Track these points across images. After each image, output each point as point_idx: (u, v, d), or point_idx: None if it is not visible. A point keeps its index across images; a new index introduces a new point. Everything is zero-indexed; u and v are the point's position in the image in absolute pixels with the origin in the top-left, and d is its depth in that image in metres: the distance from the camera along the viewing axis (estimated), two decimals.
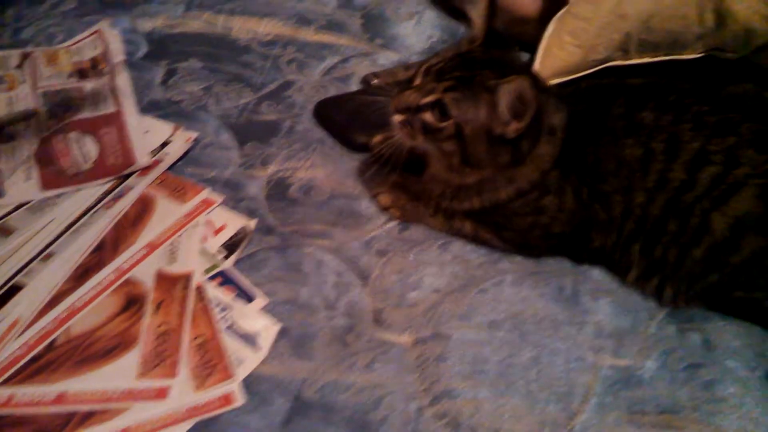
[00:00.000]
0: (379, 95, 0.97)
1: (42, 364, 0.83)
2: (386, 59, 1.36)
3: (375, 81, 1.26)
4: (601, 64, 1.18)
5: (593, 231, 0.91)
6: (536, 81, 0.88)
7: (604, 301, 0.91)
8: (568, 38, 1.16)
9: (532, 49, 1.14)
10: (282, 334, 0.86)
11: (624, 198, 0.88)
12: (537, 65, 1.13)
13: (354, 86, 1.29)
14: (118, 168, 1.07)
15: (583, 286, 0.93)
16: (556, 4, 1.21)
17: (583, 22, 1.15)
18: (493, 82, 0.82)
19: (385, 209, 1.03)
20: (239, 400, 0.79)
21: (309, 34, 1.42)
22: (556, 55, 1.15)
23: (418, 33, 1.43)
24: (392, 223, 1.02)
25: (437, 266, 0.96)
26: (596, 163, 0.89)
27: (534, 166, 0.89)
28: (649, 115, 0.88)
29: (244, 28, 1.43)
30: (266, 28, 1.44)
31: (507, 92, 0.81)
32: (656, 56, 1.19)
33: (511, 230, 0.95)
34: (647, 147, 0.87)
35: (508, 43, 0.91)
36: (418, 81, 0.89)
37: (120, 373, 0.82)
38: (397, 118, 0.88)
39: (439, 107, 0.85)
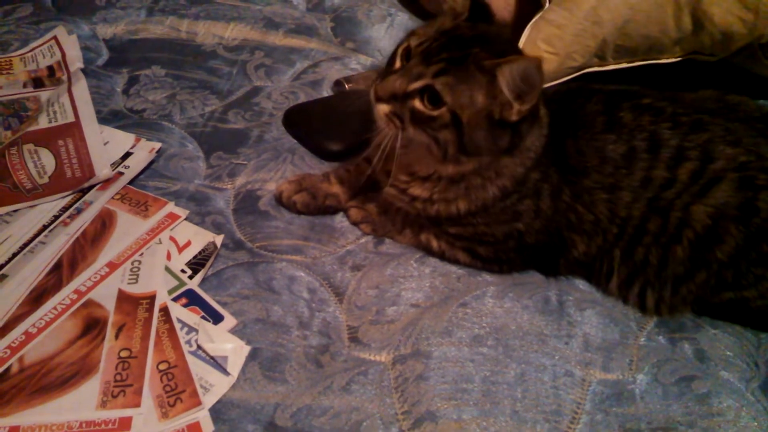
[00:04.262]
0: (352, 100, 0.92)
1: None
2: (358, 63, 1.32)
3: (348, 86, 1.22)
4: (577, 71, 1.17)
5: (576, 234, 0.88)
6: None
7: (591, 312, 0.87)
8: (543, 45, 1.14)
9: None
10: (252, 356, 0.81)
11: (610, 196, 0.86)
12: None
13: (325, 92, 1.25)
14: (76, 182, 1.01)
15: (568, 297, 0.89)
16: (529, 10, 1.19)
17: (557, 29, 1.13)
18: (490, 62, 0.77)
19: (355, 224, 0.99)
20: (208, 428, 0.74)
21: (277, 39, 1.38)
22: None
23: (391, 36, 1.40)
24: (367, 237, 0.97)
25: (415, 280, 0.91)
26: (578, 157, 0.86)
27: (520, 160, 0.85)
28: (627, 114, 0.87)
29: (209, 33, 1.39)
30: (232, 32, 1.39)
31: (510, 72, 0.76)
32: (633, 62, 1.18)
33: (486, 244, 0.91)
34: (630, 145, 0.85)
35: (492, 17, 0.86)
36: (398, 64, 0.83)
37: (79, 403, 0.76)
38: (383, 108, 0.82)
39: (429, 93, 0.79)
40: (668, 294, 0.87)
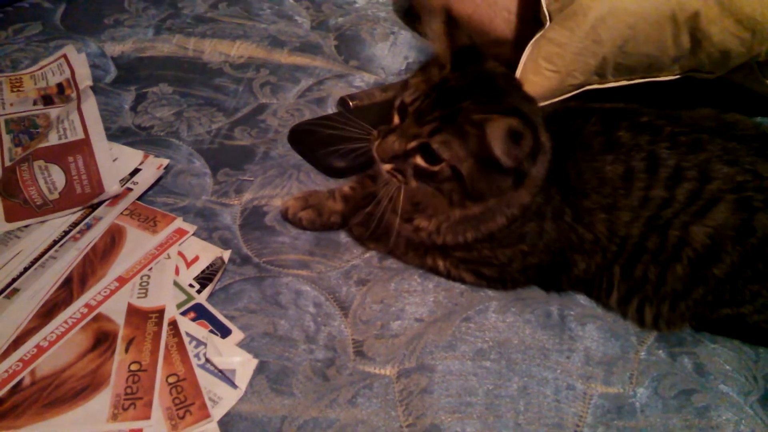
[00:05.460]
0: (357, 117, 0.94)
1: (6, 408, 0.77)
2: (362, 81, 1.34)
3: (353, 103, 1.24)
4: (578, 89, 1.18)
5: (577, 254, 0.90)
6: (525, 101, 0.86)
7: (592, 326, 0.89)
8: (544, 63, 1.15)
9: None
10: (260, 369, 0.83)
11: (608, 216, 0.87)
12: None
13: (330, 109, 1.27)
14: (86, 198, 1.03)
15: (570, 312, 0.91)
16: (530, 27, 1.21)
17: (558, 48, 1.15)
18: (478, 117, 0.78)
19: (359, 242, 1.00)
20: None
21: (282, 57, 1.40)
22: (533, 80, 1.15)
23: (394, 54, 1.42)
24: (371, 252, 0.99)
25: (419, 295, 0.93)
26: (578, 178, 0.87)
27: (527, 191, 0.86)
28: (625, 134, 0.87)
29: (215, 51, 1.41)
30: (238, 50, 1.41)
31: (496, 130, 0.76)
32: (633, 79, 1.19)
33: (490, 266, 0.92)
34: (628, 165, 0.86)
35: (479, 54, 0.86)
36: (396, 120, 0.85)
37: (90, 416, 0.77)
38: (386, 167, 0.85)
39: (427, 152, 0.81)
40: (666, 309, 0.88)
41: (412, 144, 0.81)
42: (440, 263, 0.95)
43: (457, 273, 0.95)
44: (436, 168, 0.81)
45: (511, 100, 0.83)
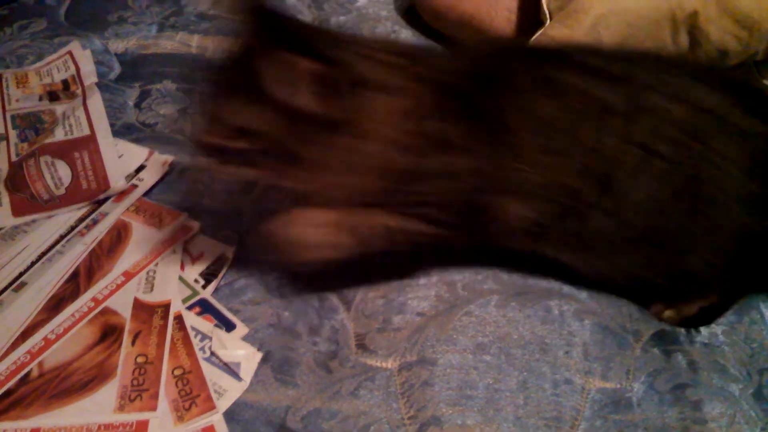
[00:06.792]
0: None
1: (15, 399, 0.79)
2: None
3: None
4: None
5: (517, 199, 0.81)
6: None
7: (590, 322, 0.90)
8: None
9: None
10: (265, 359, 0.84)
11: (555, 160, 0.79)
12: None
13: None
14: (92, 193, 1.04)
15: (569, 307, 0.92)
16: (531, 26, 1.23)
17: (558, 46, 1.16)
18: None
19: None
20: (222, 431, 0.77)
21: None
22: None
23: None
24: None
25: (421, 289, 0.94)
26: (500, 115, 0.79)
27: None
28: (569, 76, 0.80)
29: (219, 47, 1.42)
30: None
31: None
32: None
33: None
34: (572, 109, 0.78)
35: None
36: None
37: (97, 407, 0.79)
38: None
39: None
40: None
41: None
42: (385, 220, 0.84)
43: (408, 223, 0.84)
44: None
45: None
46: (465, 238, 0.88)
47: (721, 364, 0.86)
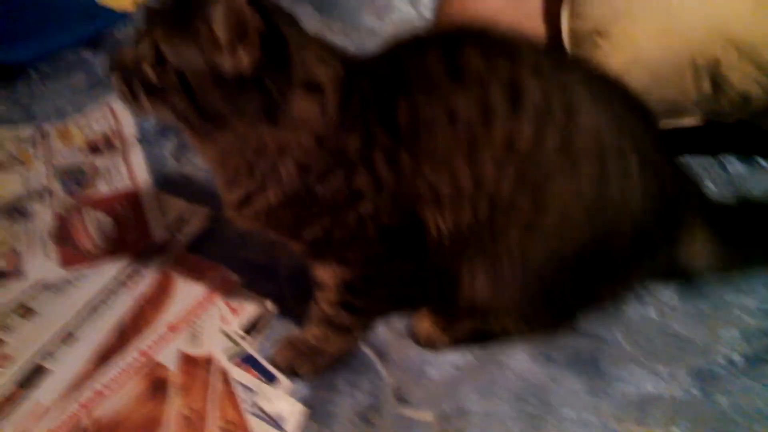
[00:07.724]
0: None
1: None
2: None
3: None
4: None
5: (433, 210, 0.77)
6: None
7: (624, 366, 0.91)
8: None
9: None
10: (308, 413, 0.87)
11: (468, 161, 0.74)
12: None
13: None
14: (135, 246, 1.08)
15: (601, 353, 0.93)
16: None
17: None
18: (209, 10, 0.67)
19: None
20: None
21: None
22: None
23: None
24: None
25: None
26: (413, 115, 0.74)
27: (302, 131, 0.73)
28: (477, 60, 0.75)
29: None
30: None
31: (220, 13, 0.66)
32: None
33: (348, 244, 0.81)
34: (483, 97, 0.73)
35: None
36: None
37: None
38: (114, 78, 0.74)
39: (156, 55, 0.69)
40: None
41: (139, 48, 0.71)
42: (324, 274, 0.87)
43: (327, 273, 0.86)
44: (163, 76, 0.69)
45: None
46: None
47: (763, 407, 0.85)
